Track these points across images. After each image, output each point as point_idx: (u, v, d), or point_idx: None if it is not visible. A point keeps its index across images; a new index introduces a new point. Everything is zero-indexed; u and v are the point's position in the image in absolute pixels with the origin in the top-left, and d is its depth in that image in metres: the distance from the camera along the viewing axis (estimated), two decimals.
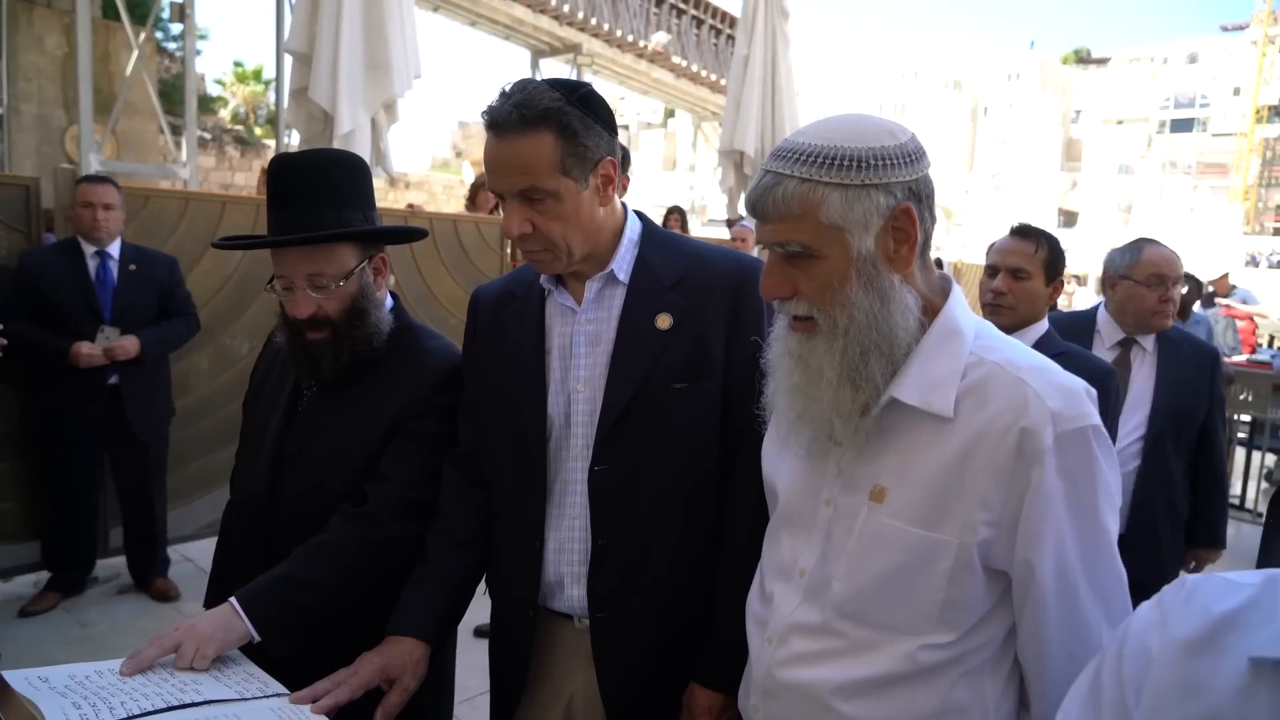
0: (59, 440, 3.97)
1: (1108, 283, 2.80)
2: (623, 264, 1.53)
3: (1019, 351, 1.18)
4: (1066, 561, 1.12)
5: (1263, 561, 2.50)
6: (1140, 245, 2.82)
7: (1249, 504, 6.54)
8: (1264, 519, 2.21)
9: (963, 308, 1.22)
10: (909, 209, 1.13)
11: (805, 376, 1.18)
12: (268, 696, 1.33)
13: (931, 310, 1.20)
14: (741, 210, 8.17)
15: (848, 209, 1.11)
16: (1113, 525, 1.15)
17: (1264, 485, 6.88)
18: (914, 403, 1.15)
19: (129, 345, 3.89)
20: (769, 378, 1.26)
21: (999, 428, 1.11)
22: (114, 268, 3.96)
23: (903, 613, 1.16)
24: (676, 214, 7.75)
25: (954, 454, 1.13)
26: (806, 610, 1.23)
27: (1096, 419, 1.12)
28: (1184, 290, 3.28)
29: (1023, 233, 2.51)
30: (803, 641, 1.22)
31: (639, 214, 1.61)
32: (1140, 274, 2.75)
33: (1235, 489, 6.53)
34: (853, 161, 1.10)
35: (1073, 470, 1.10)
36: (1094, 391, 1.16)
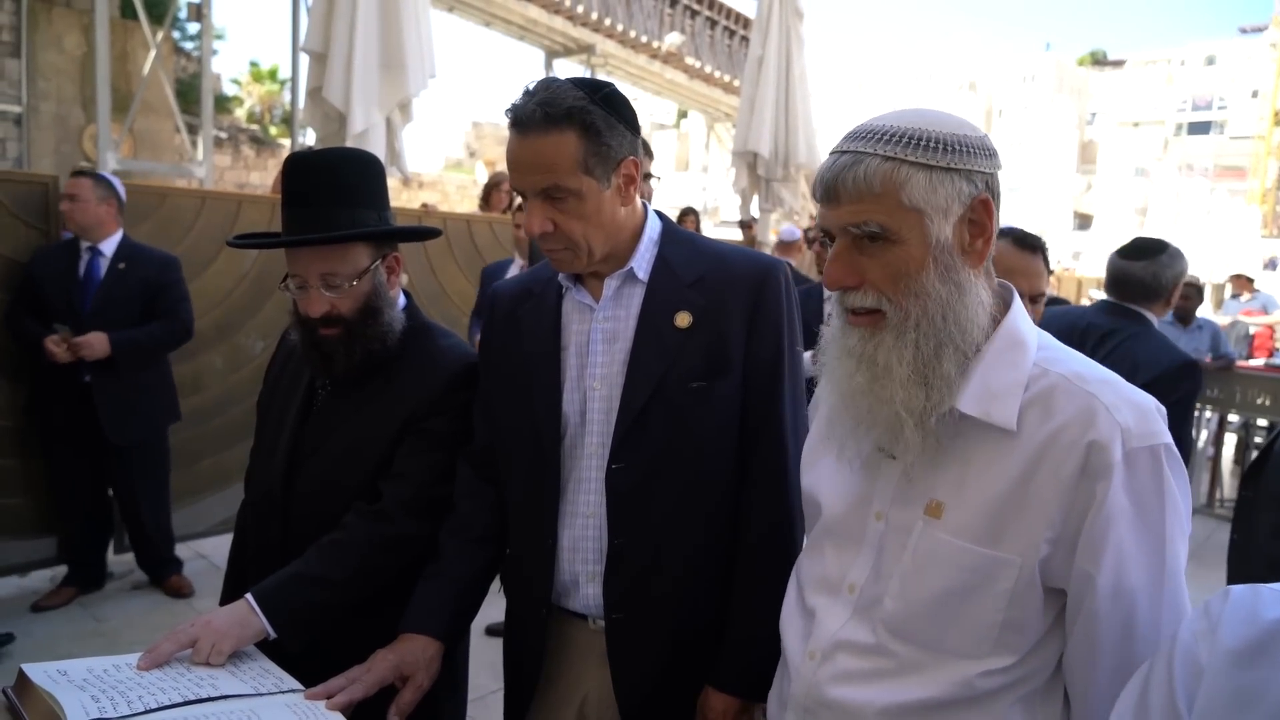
0: (47, 436, 3.96)
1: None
2: (642, 262, 1.53)
3: (1085, 364, 1.13)
4: (1126, 583, 1.05)
5: (1240, 540, 2.40)
6: None
7: None
8: (1237, 493, 2.09)
9: (1025, 318, 1.17)
10: (988, 201, 1.10)
11: (871, 375, 1.11)
12: (283, 692, 1.33)
13: (993, 319, 1.15)
14: (754, 211, 8.16)
15: (930, 191, 1.06)
16: (1181, 552, 1.09)
17: None
18: (974, 413, 1.10)
19: (95, 343, 3.72)
20: (825, 383, 1.20)
21: (1065, 442, 1.05)
22: (103, 265, 3.88)
23: (959, 634, 1.11)
24: (692, 215, 7.75)
25: (1018, 468, 1.08)
26: (856, 628, 1.18)
27: (1168, 438, 1.07)
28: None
29: (1031, 245, 2.14)
30: (850, 660, 1.17)
31: (659, 213, 1.61)
32: None
33: None
34: (938, 143, 1.06)
35: (1141, 490, 1.05)
36: (1164, 410, 1.10)
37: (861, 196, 1.08)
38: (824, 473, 1.29)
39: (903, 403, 1.09)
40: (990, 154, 1.11)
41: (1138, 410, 1.07)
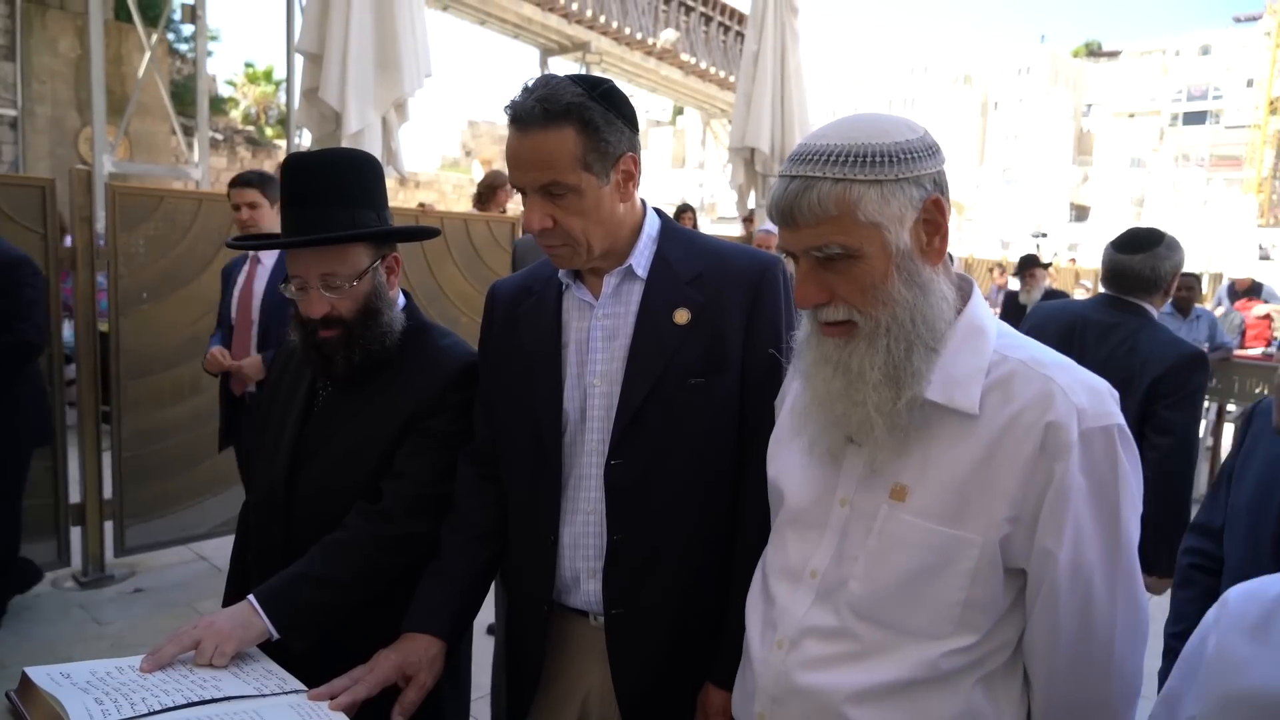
0: None
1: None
2: (641, 259, 1.53)
3: (1041, 350, 1.18)
4: (1084, 559, 1.10)
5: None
6: None
7: None
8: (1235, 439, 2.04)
9: (984, 307, 1.22)
10: (939, 200, 1.13)
11: (846, 380, 1.15)
12: (286, 693, 1.34)
13: (956, 311, 1.19)
14: (751, 206, 8.16)
15: (884, 204, 1.09)
16: (1134, 529, 1.14)
17: None
18: (938, 400, 1.14)
19: None
20: (803, 387, 1.24)
21: (1025, 423, 1.10)
22: None
23: (923, 614, 1.14)
24: (689, 212, 7.75)
25: (979, 451, 1.12)
26: (820, 613, 1.21)
27: (1121, 419, 1.12)
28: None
29: None
30: (817, 645, 1.20)
31: (658, 210, 1.61)
32: None
33: None
34: (883, 157, 1.09)
35: (1096, 468, 1.10)
36: (1116, 393, 1.15)
37: (819, 220, 1.11)
38: (788, 463, 1.32)
39: (875, 404, 1.14)
40: (934, 152, 1.14)
41: (1092, 392, 1.12)
